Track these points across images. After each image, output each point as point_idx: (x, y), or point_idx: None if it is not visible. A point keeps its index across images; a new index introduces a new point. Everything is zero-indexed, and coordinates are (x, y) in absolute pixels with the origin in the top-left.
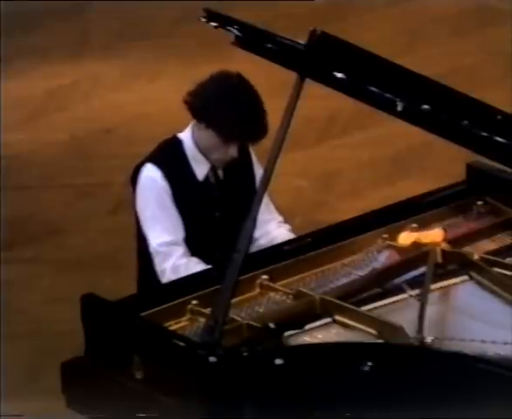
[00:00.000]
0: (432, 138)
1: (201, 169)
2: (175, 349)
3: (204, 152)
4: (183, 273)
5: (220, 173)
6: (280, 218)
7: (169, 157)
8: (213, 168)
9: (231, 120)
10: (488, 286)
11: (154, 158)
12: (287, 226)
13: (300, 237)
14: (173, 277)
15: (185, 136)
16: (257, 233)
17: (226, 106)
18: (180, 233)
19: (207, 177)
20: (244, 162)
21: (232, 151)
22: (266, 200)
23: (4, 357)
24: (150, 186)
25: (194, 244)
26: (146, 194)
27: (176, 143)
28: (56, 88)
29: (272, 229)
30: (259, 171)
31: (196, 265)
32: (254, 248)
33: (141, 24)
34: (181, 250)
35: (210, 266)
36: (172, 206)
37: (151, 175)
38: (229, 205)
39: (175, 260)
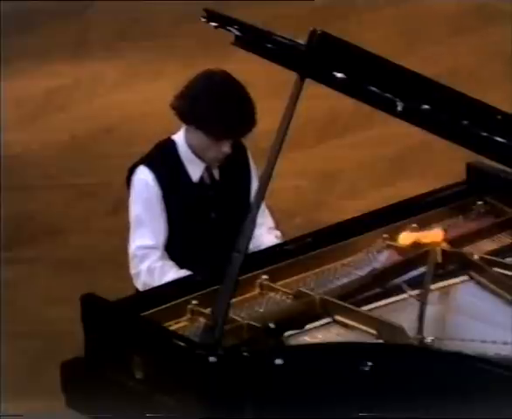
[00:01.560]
0: (432, 138)
1: (195, 171)
2: (175, 349)
3: (198, 153)
4: (157, 276)
5: (216, 173)
6: (272, 224)
7: (163, 159)
8: (208, 169)
9: (218, 119)
10: (488, 286)
11: (147, 160)
12: (277, 233)
13: (300, 237)
14: (148, 279)
15: (178, 138)
16: None
17: (211, 106)
18: (161, 238)
19: (202, 178)
20: (240, 162)
21: (225, 148)
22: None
23: (5, 357)
24: (140, 189)
25: (190, 245)
26: (135, 196)
27: (169, 145)
28: (56, 88)
29: (260, 234)
30: (255, 171)
31: (170, 269)
32: None
33: (142, 24)
34: (158, 253)
35: (183, 270)
36: (159, 211)
37: (143, 178)
38: (225, 206)
39: (150, 263)
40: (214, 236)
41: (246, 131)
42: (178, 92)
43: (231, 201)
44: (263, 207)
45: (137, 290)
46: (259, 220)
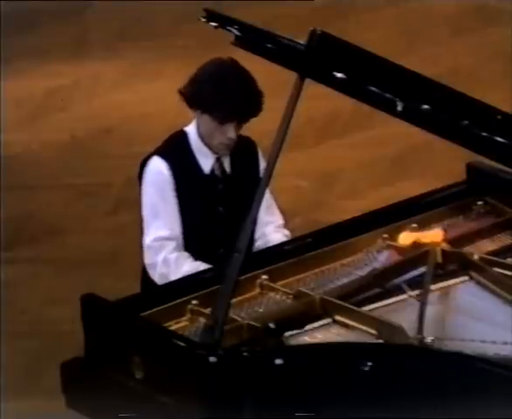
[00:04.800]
0: (432, 138)
1: (206, 162)
2: (175, 349)
3: (206, 140)
4: (172, 266)
5: (227, 166)
6: (281, 222)
7: (176, 150)
8: (219, 161)
9: (221, 100)
10: (488, 286)
11: (160, 151)
12: (285, 231)
13: (300, 237)
14: (164, 270)
15: (191, 129)
16: (256, 234)
17: (214, 87)
18: (176, 228)
19: (213, 170)
20: (250, 158)
21: (230, 133)
22: (268, 201)
23: (4, 357)
24: (154, 178)
25: (197, 239)
26: (149, 186)
27: (182, 136)
28: (56, 88)
29: (268, 232)
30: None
31: (185, 260)
32: (252, 249)
33: (142, 23)
34: (173, 244)
35: (199, 262)
36: (173, 200)
37: (157, 167)
38: (233, 200)
39: (166, 253)
40: (220, 231)
41: (249, 114)
42: (187, 80)
43: (239, 196)
44: (272, 205)
45: (142, 283)
46: (268, 218)
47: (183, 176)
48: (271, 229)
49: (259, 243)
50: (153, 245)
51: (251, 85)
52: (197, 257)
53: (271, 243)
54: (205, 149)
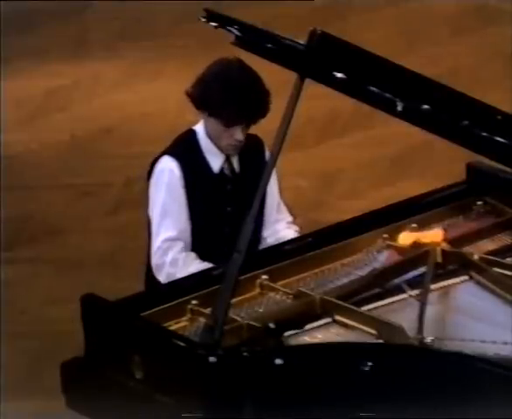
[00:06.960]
0: (432, 138)
1: (216, 161)
2: (175, 349)
3: (214, 141)
4: (180, 267)
5: (236, 166)
6: (290, 219)
7: (186, 149)
8: (228, 159)
9: (226, 103)
10: (488, 286)
11: (171, 150)
12: (296, 227)
13: (300, 237)
14: (172, 270)
15: (199, 128)
16: (265, 232)
17: (220, 91)
18: (185, 228)
19: (222, 169)
20: (257, 156)
21: (238, 135)
22: (277, 199)
23: (4, 357)
24: (166, 178)
25: (205, 238)
26: (160, 185)
27: (190, 136)
28: (56, 88)
29: (280, 228)
30: None
31: (193, 261)
32: (263, 247)
33: (142, 23)
34: (181, 244)
35: (206, 262)
36: (183, 199)
37: (168, 166)
38: (241, 199)
39: (174, 254)
40: (228, 230)
41: (256, 116)
42: (194, 81)
43: (247, 195)
44: (279, 203)
45: (146, 283)
46: (278, 216)
47: (193, 176)
48: (282, 225)
49: (270, 241)
50: (161, 246)
51: (258, 86)
52: (204, 256)
53: (284, 239)
54: (215, 149)
